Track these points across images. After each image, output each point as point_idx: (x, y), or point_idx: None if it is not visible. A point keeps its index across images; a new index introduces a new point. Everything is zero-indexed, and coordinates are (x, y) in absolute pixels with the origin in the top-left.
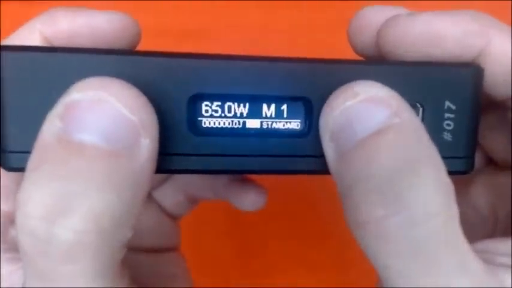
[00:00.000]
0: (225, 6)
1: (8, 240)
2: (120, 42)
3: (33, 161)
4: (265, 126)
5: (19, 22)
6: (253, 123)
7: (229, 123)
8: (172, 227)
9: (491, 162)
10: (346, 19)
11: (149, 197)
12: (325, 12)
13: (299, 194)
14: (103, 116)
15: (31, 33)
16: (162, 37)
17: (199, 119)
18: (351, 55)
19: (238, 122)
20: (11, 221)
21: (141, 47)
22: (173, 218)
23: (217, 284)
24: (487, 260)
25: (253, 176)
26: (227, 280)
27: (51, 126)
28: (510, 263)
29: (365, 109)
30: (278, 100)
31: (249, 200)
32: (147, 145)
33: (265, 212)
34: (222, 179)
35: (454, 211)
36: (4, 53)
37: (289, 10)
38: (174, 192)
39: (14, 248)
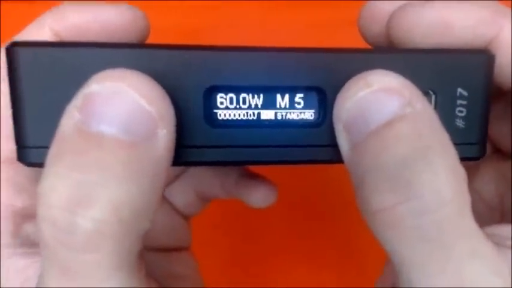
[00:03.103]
0: (225, 6)
1: (22, 235)
2: (129, 35)
3: (53, 152)
4: (279, 117)
5: (19, 22)
6: (267, 114)
7: (244, 115)
8: (184, 227)
9: (498, 152)
10: (346, 19)
11: None
12: (325, 12)
13: (301, 192)
14: (121, 107)
15: (41, 29)
16: (162, 37)
17: (215, 111)
18: None
19: (253, 113)
20: (25, 216)
21: None
22: (185, 217)
23: (217, 283)
24: (497, 243)
25: (257, 169)
26: (229, 277)
27: (70, 118)
28: None
29: (378, 99)
30: (292, 91)
31: (259, 196)
32: (164, 136)
33: (266, 210)
34: (232, 176)
35: (466, 198)
36: (19, 49)
37: (289, 10)
38: (185, 191)
39: (28, 243)
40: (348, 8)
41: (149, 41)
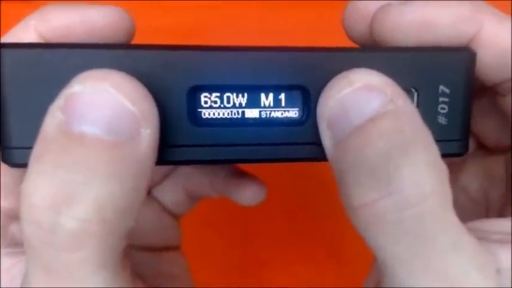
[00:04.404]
0: (225, 6)
1: (8, 235)
2: (114, 36)
3: (36, 152)
4: (264, 115)
5: (19, 22)
6: (252, 113)
7: (228, 114)
8: (174, 226)
9: (482, 147)
10: None
11: (150, 195)
12: (325, 12)
13: (297, 190)
14: (104, 107)
15: (26, 31)
16: (162, 37)
17: (199, 110)
18: None
19: (237, 112)
20: (11, 217)
21: None
22: (174, 216)
23: (215, 282)
24: (480, 237)
25: (252, 170)
26: (224, 278)
27: (53, 118)
28: (503, 239)
29: (360, 97)
30: (276, 89)
31: (248, 194)
32: (148, 135)
33: (261, 209)
34: (221, 174)
35: (447, 192)
36: (3, 50)
37: (289, 10)
38: (174, 190)
39: (14, 243)
40: None
41: (149, 41)
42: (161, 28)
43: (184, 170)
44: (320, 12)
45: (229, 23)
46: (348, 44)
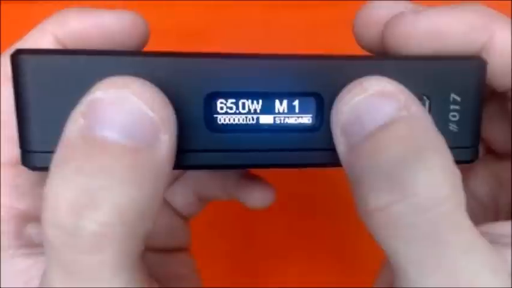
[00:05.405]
0: (225, 6)
1: (24, 237)
2: (129, 41)
3: (58, 157)
4: (278, 121)
5: (19, 22)
6: (266, 119)
7: (243, 120)
8: (183, 227)
9: (491, 152)
10: (346, 19)
11: None
12: (325, 12)
13: (299, 191)
14: (124, 113)
15: (43, 35)
16: (163, 37)
17: (215, 116)
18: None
19: (252, 118)
20: (27, 218)
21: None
22: (184, 218)
23: (217, 282)
24: (491, 241)
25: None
26: (226, 278)
27: (75, 123)
28: None
29: (374, 103)
30: (290, 96)
31: (257, 197)
32: (166, 141)
33: (266, 211)
34: (232, 177)
35: (461, 196)
36: (24, 57)
37: (289, 10)
38: (184, 192)
39: (30, 244)
40: (349, 8)
41: (153, 42)
42: (164, 29)
43: (194, 172)
44: (323, 13)
45: (232, 24)
46: (353, 45)
